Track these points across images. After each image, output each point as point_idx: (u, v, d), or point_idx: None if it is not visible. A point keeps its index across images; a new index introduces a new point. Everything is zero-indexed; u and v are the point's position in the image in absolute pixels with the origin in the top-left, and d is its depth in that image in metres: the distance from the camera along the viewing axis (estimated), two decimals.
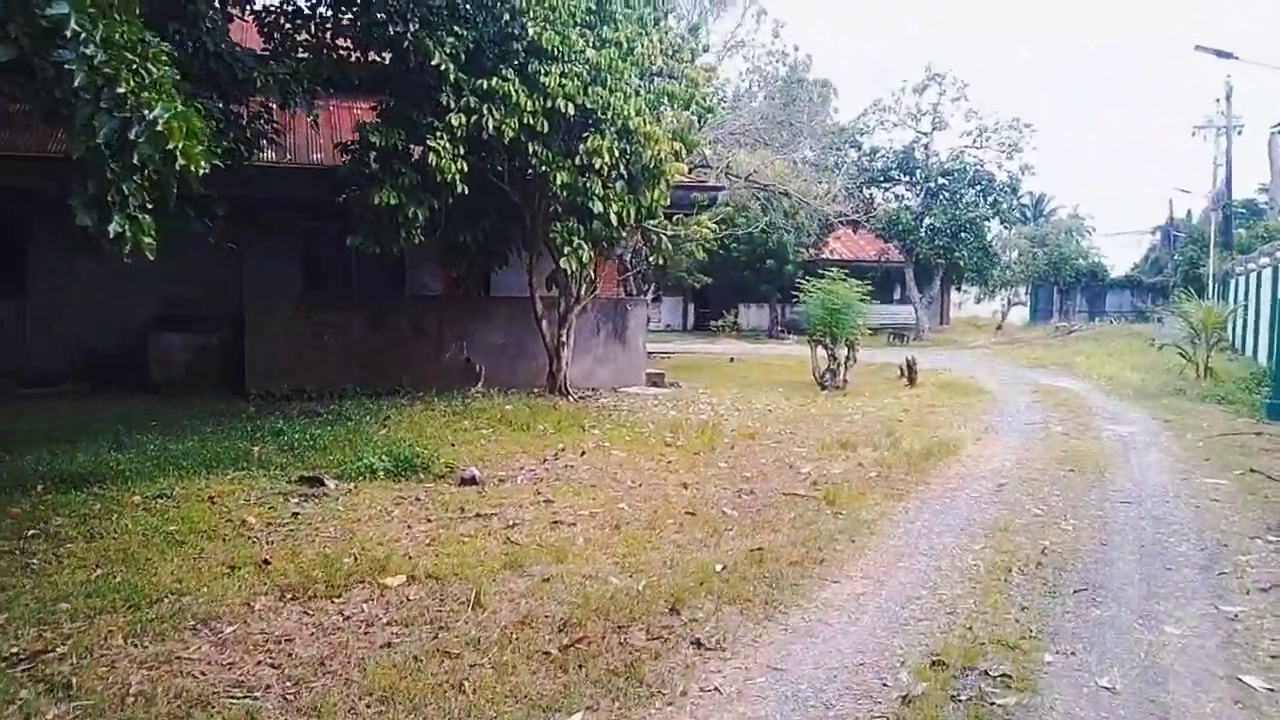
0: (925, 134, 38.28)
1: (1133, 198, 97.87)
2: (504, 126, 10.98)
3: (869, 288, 18.47)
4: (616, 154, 12.12)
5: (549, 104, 11.25)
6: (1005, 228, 42.62)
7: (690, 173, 24.22)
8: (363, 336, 15.20)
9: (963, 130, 38.83)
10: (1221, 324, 18.32)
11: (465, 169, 10.89)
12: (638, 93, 12.67)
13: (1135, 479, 9.06)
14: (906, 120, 38.38)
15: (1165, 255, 53.21)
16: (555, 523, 6.97)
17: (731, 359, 26.18)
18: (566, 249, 12.14)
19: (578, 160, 11.79)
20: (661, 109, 13.30)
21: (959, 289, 45.65)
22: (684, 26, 23.99)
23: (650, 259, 13.26)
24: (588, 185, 11.94)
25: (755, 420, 13.03)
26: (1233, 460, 9.99)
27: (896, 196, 39.63)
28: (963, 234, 36.92)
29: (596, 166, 11.77)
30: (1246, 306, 22.59)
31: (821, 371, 18.07)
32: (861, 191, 38.71)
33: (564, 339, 14.12)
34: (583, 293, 14.14)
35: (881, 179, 38.84)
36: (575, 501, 7.69)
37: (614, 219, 12.45)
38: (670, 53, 13.63)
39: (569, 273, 12.22)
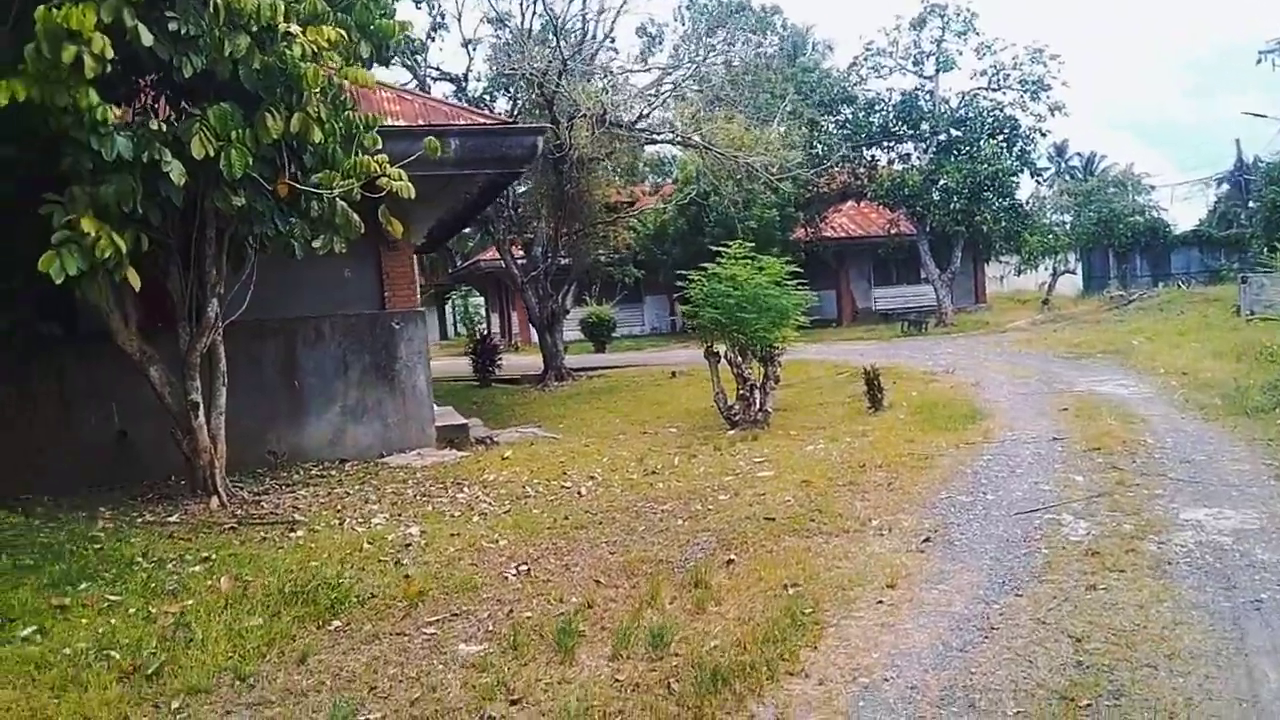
0: (929, 78, 31.45)
1: (1185, 141, 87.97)
2: None
3: (792, 268, 12.11)
4: (142, 36, 6.07)
5: None
6: (1039, 183, 35.55)
7: (596, 125, 17.84)
8: None
9: (974, 70, 31.67)
10: None
11: None
12: None
13: None
14: (905, 65, 31.61)
15: (1238, 205, 45.53)
16: None
17: (674, 373, 19.97)
18: (56, 237, 6.10)
19: (34, 54, 5.72)
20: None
21: (991, 260, 38.44)
22: None
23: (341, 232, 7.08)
24: (80, 103, 5.90)
25: (513, 529, 6.91)
26: None
27: (902, 157, 32.79)
28: (985, 194, 29.94)
29: (69, 62, 5.69)
30: None
31: (728, 402, 11.79)
32: (859, 153, 32.02)
33: (193, 395, 8.02)
34: (210, 315, 8.03)
35: (882, 137, 32.03)
36: None
37: (175, 172, 6.43)
38: None
39: (75, 286, 6.20)
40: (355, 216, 7.64)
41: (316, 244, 7.63)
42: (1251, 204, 42.05)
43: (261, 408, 10.10)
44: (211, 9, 6.35)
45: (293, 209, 7.48)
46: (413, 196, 7.41)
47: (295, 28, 6.77)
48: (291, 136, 7.03)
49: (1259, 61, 33.43)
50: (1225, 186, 49.44)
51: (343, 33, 7.19)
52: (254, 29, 6.61)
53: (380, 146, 7.79)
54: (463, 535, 6.81)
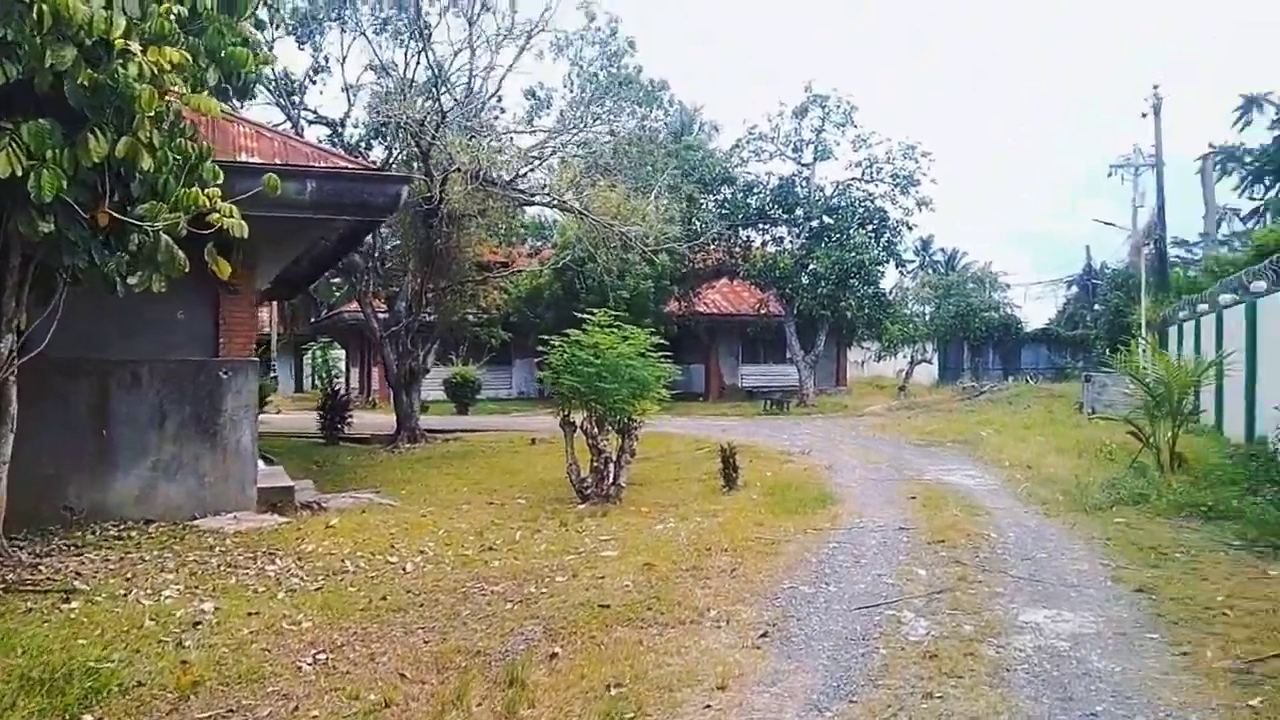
0: (807, 165, 32.38)
1: (1045, 246, 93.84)
2: None
3: (660, 340, 11.92)
4: None
5: None
6: (902, 274, 36.93)
7: (470, 181, 17.31)
8: None
9: (850, 161, 32.71)
10: (1195, 384, 12.11)
11: None
12: None
13: None
14: (785, 151, 32.45)
15: (1084, 307, 48.55)
16: None
17: (534, 440, 19.44)
18: None
19: None
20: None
21: (853, 345, 39.55)
22: None
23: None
24: None
25: (321, 610, 6.27)
26: None
27: (776, 240, 33.53)
28: (852, 280, 30.79)
29: None
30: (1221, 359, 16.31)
31: (581, 475, 11.37)
32: (735, 233, 32.56)
33: None
34: (3, 352, 7.18)
35: (758, 219, 32.65)
36: None
37: None
38: None
39: None
40: (180, 254, 6.98)
41: (133, 280, 6.94)
42: (1097, 306, 44.89)
43: (64, 457, 9.16)
44: (35, 14, 5.73)
45: (118, 241, 6.79)
46: (245, 235, 6.81)
47: (135, 46, 6.19)
48: (117, 162, 6.40)
49: (1110, 175, 36.19)
50: (1074, 289, 52.73)
51: (188, 56, 6.63)
52: (85, 42, 6.02)
53: (221, 180, 7.19)
54: (262, 614, 6.13)
